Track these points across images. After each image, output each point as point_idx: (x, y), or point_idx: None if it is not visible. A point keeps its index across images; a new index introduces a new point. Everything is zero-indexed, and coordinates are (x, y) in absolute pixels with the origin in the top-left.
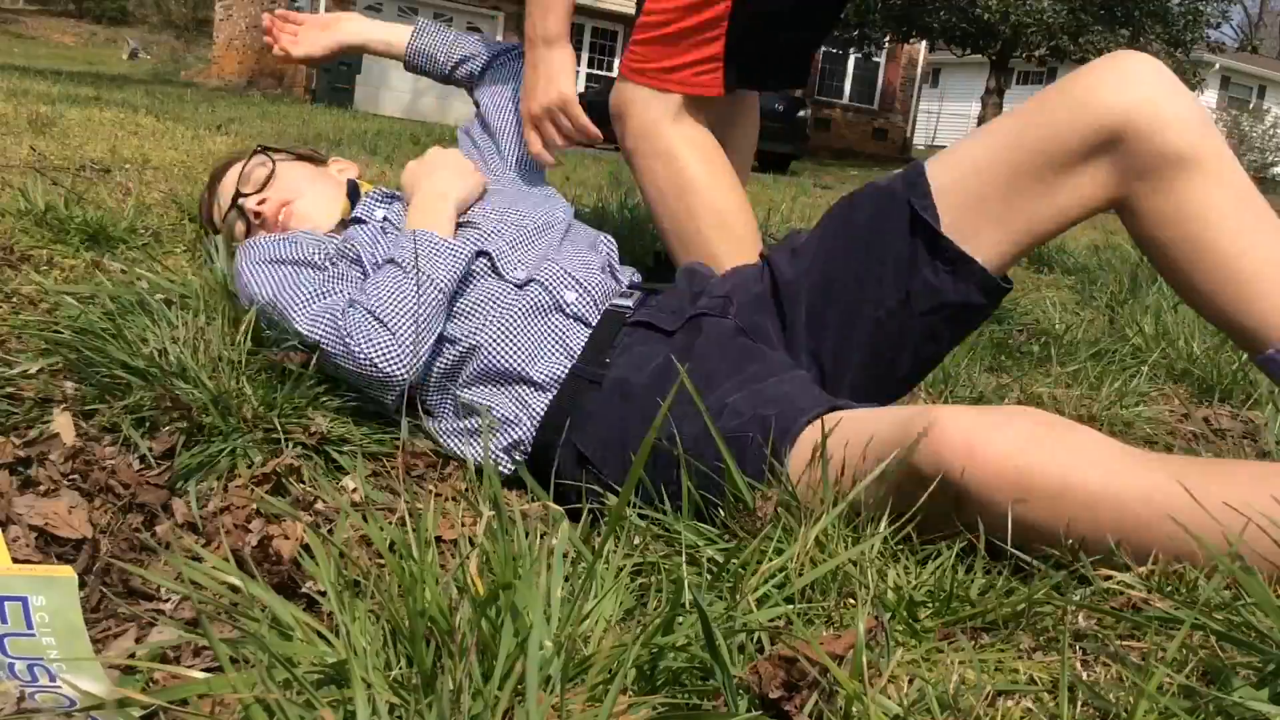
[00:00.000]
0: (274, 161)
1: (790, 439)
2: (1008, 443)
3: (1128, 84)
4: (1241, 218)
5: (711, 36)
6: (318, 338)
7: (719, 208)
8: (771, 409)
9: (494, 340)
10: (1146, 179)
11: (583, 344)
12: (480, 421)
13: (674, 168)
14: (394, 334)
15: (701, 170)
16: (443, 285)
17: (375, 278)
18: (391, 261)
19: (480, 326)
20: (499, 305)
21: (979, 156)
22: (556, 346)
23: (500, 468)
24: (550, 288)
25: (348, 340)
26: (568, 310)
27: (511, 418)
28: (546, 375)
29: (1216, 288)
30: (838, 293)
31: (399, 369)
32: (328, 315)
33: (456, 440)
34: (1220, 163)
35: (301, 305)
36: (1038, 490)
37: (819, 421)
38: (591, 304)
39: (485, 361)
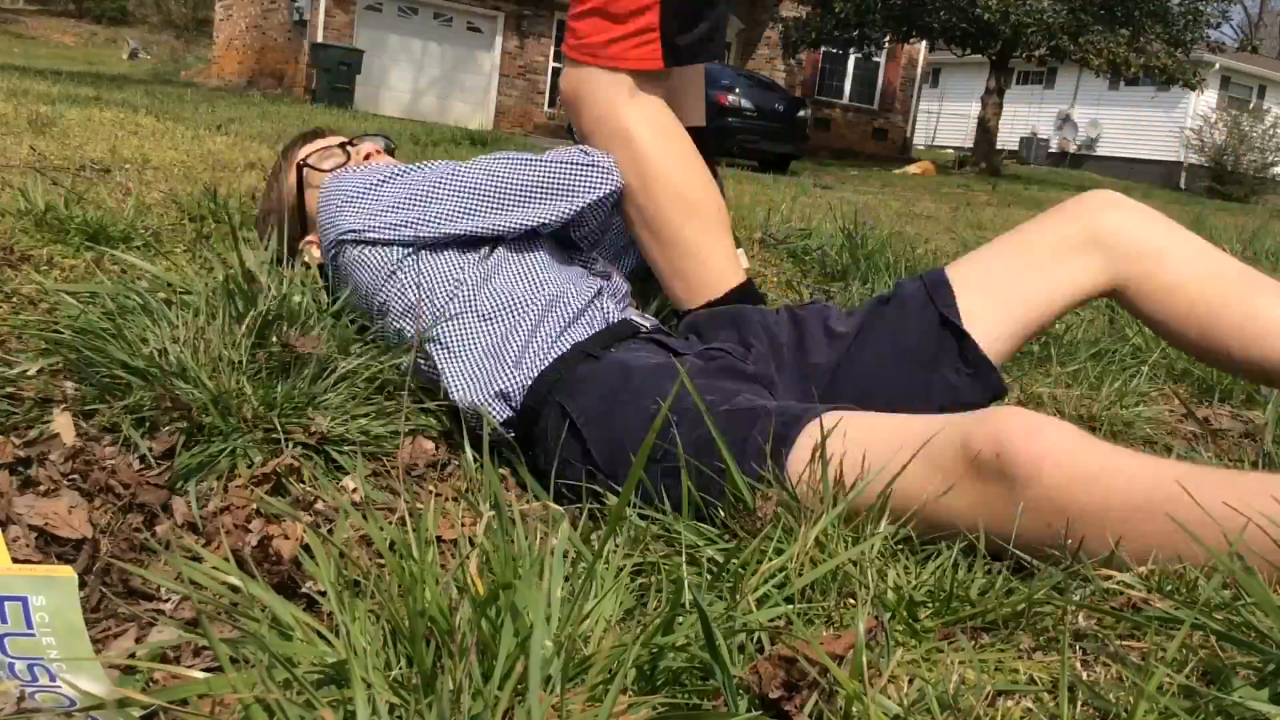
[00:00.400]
0: (391, 146)
1: (801, 424)
2: (1062, 428)
3: (1107, 206)
4: (1238, 278)
5: (646, 5)
6: (534, 156)
7: (682, 190)
8: (775, 407)
9: (539, 291)
10: (1133, 264)
11: (597, 330)
12: (486, 361)
13: (632, 150)
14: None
15: (661, 151)
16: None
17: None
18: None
19: (536, 278)
20: (571, 269)
21: (988, 257)
22: (584, 326)
23: (491, 415)
24: (606, 288)
25: (580, 152)
26: (604, 306)
27: (504, 371)
28: (560, 338)
29: (1233, 334)
30: (857, 376)
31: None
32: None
33: (458, 380)
34: (1193, 244)
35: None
36: (1085, 468)
37: (832, 416)
38: (617, 313)
39: (522, 305)
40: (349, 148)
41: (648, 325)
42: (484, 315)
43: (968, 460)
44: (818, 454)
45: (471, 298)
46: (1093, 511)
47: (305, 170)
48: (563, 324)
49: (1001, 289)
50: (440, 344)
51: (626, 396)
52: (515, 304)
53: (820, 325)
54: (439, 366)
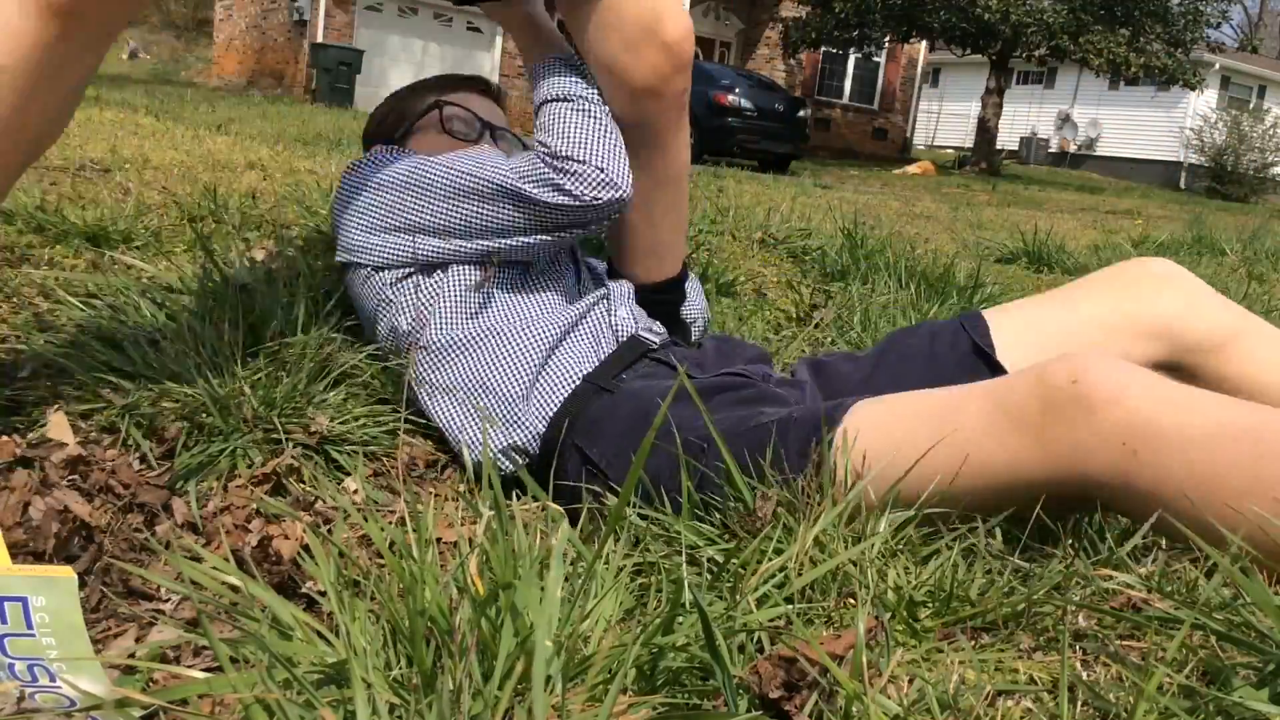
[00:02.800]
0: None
1: (842, 411)
2: (1139, 368)
3: (1166, 286)
4: None
5: None
6: (530, 192)
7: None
8: (802, 411)
9: (543, 317)
10: (1198, 355)
11: (606, 355)
12: (482, 416)
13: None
14: (605, 170)
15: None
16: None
17: (550, 120)
18: (555, 99)
19: (539, 299)
20: (564, 286)
21: (1038, 315)
22: (590, 348)
23: (499, 468)
24: (612, 295)
25: (563, 186)
26: (613, 323)
27: (514, 418)
28: (570, 371)
29: None
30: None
31: (618, 191)
32: (531, 168)
33: (454, 425)
34: (1250, 330)
35: (504, 167)
36: (1169, 392)
37: (867, 402)
38: (632, 327)
39: (525, 336)
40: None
41: (656, 340)
42: (481, 353)
43: (1042, 393)
44: (853, 440)
45: (467, 332)
46: (1173, 434)
47: (442, 111)
48: (570, 356)
49: (1046, 344)
50: (436, 387)
51: (646, 429)
52: (515, 337)
53: (839, 358)
54: (434, 413)
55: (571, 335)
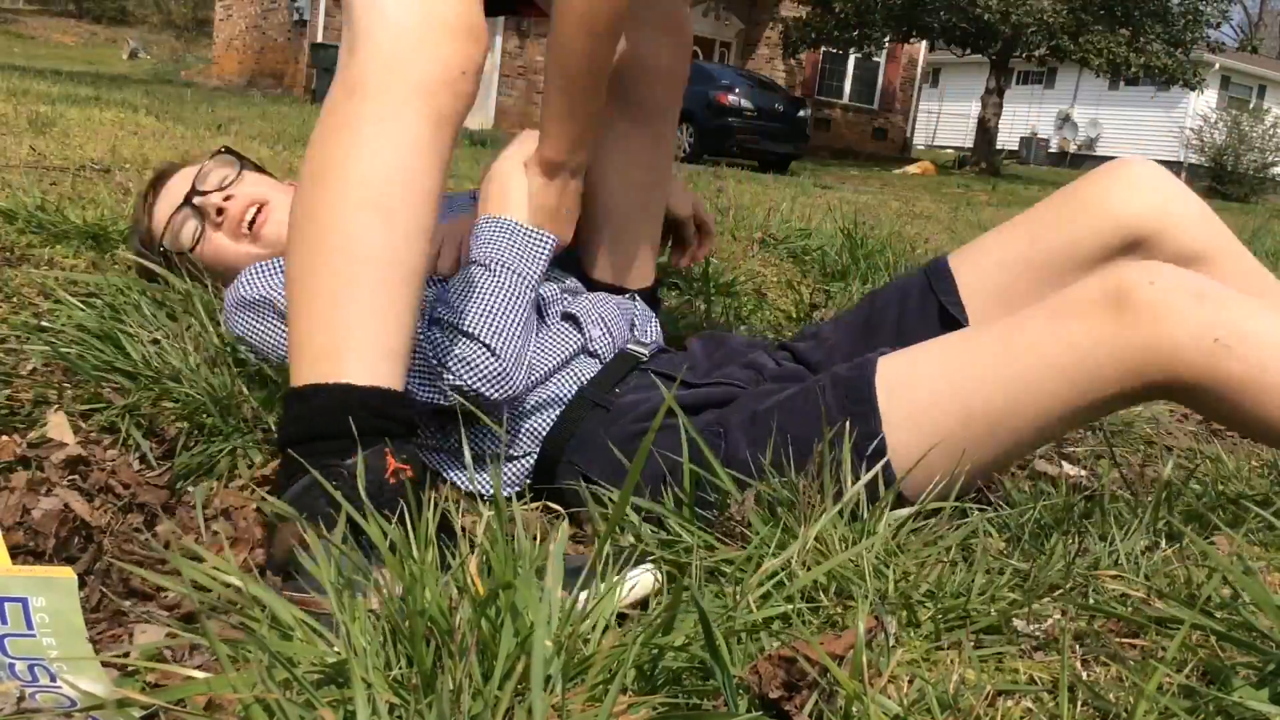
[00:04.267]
0: (240, 162)
1: (868, 377)
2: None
3: (1137, 192)
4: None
5: None
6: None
7: None
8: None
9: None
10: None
11: (592, 374)
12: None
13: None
14: (498, 356)
15: None
16: (533, 281)
17: (459, 285)
18: (475, 263)
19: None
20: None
21: (1002, 254)
22: (569, 375)
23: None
24: (582, 324)
25: (445, 369)
26: (589, 347)
27: (509, 450)
28: (551, 396)
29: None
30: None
31: (505, 392)
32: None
33: (439, 459)
34: (1232, 254)
35: None
36: (1216, 291)
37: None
38: (610, 344)
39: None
40: (199, 200)
41: (645, 352)
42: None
43: (1117, 296)
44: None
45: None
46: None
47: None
48: (570, 375)
49: (1013, 285)
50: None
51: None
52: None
53: (809, 338)
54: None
55: (549, 362)
